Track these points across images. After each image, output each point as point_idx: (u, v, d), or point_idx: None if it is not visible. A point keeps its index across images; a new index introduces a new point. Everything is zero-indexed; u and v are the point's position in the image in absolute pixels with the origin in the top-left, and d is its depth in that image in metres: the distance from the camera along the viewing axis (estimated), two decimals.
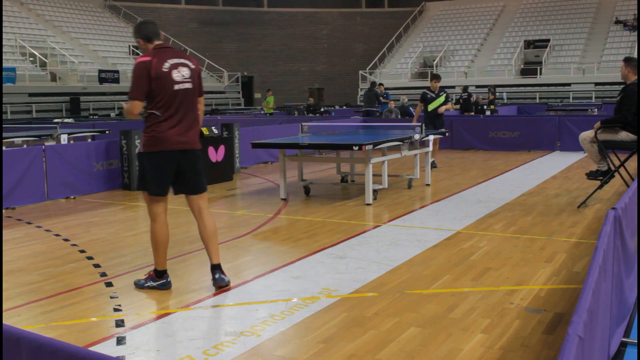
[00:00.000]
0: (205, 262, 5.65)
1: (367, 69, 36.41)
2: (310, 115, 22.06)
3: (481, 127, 15.38)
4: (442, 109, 11.45)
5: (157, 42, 4.73)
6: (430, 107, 11.42)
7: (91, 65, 30.22)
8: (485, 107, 21.28)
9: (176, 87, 4.61)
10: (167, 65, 4.58)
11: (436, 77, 11.75)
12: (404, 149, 8.96)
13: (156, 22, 4.99)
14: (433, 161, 11.34)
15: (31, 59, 28.59)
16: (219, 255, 4.87)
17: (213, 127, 10.85)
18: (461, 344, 3.64)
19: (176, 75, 4.62)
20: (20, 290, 4.81)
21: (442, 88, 11.76)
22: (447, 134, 11.30)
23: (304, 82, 40.66)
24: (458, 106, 21.27)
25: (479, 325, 3.92)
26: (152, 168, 4.72)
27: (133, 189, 9.68)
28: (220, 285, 4.77)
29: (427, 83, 33.39)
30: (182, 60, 4.70)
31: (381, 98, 20.61)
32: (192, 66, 4.76)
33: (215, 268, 4.83)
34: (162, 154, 4.66)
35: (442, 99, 11.43)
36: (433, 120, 11.40)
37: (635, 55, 25.45)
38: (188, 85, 4.69)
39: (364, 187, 8.23)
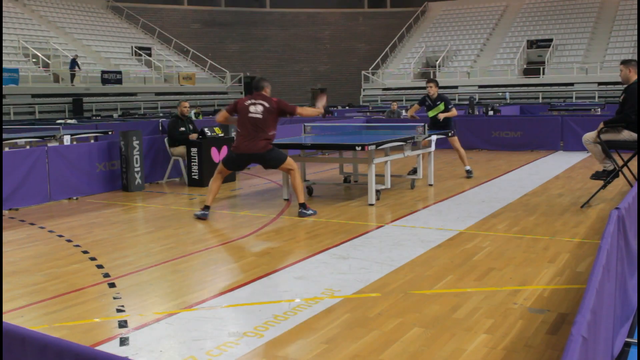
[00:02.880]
0: (209, 262, 5.66)
1: (370, 69, 36.42)
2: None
3: (484, 127, 15.36)
4: (440, 116, 10.31)
5: (256, 92, 7.57)
6: (430, 114, 10.51)
7: (94, 67, 30.27)
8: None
9: (249, 115, 7.39)
10: (248, 102, 7.47)
11: (431, 81, 10.48)
12: (407, 149, 8.95)
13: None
14: (467, 169, 10.53)
15: (34, 60, 28.66)
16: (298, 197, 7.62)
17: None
18: (464, 345, 3.64)
19: (252, 109, 7.40)
20: (23, 291, 4.82)
21: (440, 95, 10.48)
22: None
23: (306, 82, 40.68)
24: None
25: (482, 326, 3.91)
26: (229, 155, 7.77)
27: (132, 190, 9.69)
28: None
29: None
30: (260, 101, 7.44)
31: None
32: (267, 105, 7.40)
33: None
34: (234, 154, 7.60)
35: (440, 107, 10.33)
36: (435, 126, 10.38)
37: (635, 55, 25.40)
38: (258, 116, 7.38)
39: (367, 188, 8.23)
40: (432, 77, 34.07)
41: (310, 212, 7.57)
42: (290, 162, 7.61)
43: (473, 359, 3.45)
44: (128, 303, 4.52)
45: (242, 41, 41.25)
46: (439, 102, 10.41)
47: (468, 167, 10.58)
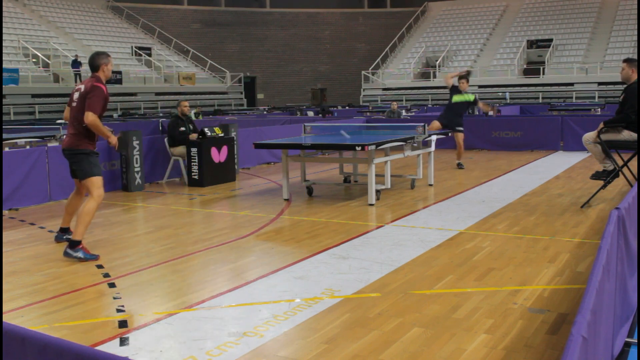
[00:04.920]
0: (209, 262, 5.66)
1: (370, 69, 36.41)
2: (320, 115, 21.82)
3: (484, 127, 15.35)
4: (483, 106, 11.88)
5: (92, 74, 6.11)
6: (454, 99, 11.47)
7: None
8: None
9: (72, 105, 6.02)
10: (75, 89, 6.10)
11: (462, 77, 11.55)
12: (407, 149, 8.95)
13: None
14: (459, 163, 11.69)
15: (34, 60, 28.65)
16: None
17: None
18: (464, 345, 3.64)
19: (74, 96, 6.01)
20: (23, 291, 4.82)
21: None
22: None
23: (306, 82, 40.68)
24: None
25: (482, 326, 3.91)
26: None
27: (131, 190, 9.70)
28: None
29: (430, 83, 33.75)
30: (82, 85, 5.99)
31: None
32: (82, 90, 5.90)
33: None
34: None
35: (470, 97, 11.49)
36: (450, 114, 11.52)
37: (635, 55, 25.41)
38: (74, 104, 5.97)
39: (367, 188, 8.23)
40: (433, 76, 34.11)
41: (79, 255, 5.62)
42: (95, 183, 5.84)
43: (473, 359, 3.45)
44: (128, 303, 4.52)
45: (242, 41, 41.25)
46: (470, 93, 11.63)
47: (459, 162, 11.66)
